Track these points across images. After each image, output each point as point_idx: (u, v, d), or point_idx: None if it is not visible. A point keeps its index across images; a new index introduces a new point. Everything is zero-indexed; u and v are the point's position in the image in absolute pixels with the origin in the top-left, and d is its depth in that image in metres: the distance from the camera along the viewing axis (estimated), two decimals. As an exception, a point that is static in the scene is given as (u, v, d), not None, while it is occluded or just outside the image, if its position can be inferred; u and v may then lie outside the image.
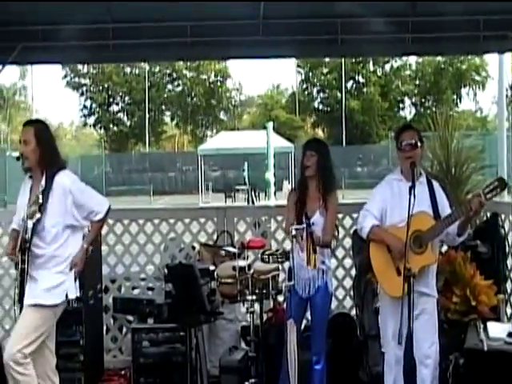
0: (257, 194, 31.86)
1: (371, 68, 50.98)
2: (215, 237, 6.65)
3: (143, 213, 7.43)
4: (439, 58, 46.82)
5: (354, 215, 6.41)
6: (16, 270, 4.50)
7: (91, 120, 54.18)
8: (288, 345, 4.71)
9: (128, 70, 52.66)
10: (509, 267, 6.26)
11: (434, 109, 42.92)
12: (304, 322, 5.34)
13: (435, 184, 4.69)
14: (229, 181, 38.48)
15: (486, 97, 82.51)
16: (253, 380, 5.18)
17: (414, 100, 52.64)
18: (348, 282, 6.58)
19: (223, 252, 5.72)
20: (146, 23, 6.33)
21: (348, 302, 6.59)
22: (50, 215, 4.45)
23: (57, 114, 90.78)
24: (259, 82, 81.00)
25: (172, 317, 5.70)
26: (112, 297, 6.50)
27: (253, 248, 5.70)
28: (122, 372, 6.19)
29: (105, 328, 6.57)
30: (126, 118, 54.36)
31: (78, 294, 4.71)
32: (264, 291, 5.17)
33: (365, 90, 50.19)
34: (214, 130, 53.99)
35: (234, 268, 5.18)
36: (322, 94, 52.42)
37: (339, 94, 49.17)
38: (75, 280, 4.59)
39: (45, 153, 4.55)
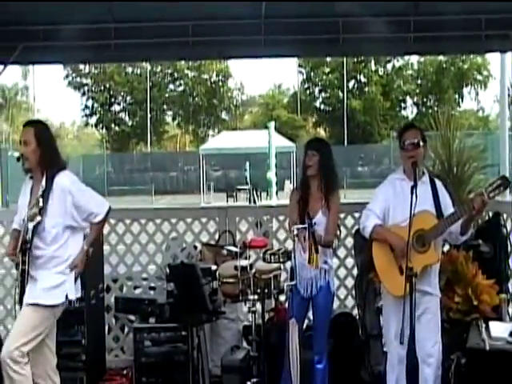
0: (258, 193, 31.85)
1: (373, 67, 50.96)
2: (217, 236, 6.66)
3: (145, 212, 7.43)
4: (441, 58, 46.77)
5: (356, 215, 6.42)
6: (17, 271, 4.51)
7: (93, 120, 54.28)
8: (290, 344, 4.71)
9: (129, 69, 52.70)
10: (511, 266, 6.24)
11: (435, 108, 42.95)
12: (306, 321, 5.34)
13: (438, 183, 4.69)
14: (230, 180, 38.47)
15: (488, 96, 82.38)
16: (255, 379, 5.18)
17: (415, 99, 52.61)
18: (350, 282, 6.58)
19: (225, 251, 5.72)
20: (148, 23, 6.32)
21: (350, 302, 6.59)
22: (50, 216, 4.46)
23: (58, 114, 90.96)
24: (261, 82, 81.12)
25: (174, 316, 5.70)
26: (114, 296, 6.50)
27: (254, 247, 5.70)
28: (124, 371, 6.20)
29: (107, 327, 6.57)
30: (127, 118, 54.39)
31: (79, 295, 4.71)
32: (266, 291, 5.18)
33: (366, 89, 50.18)
34: (216, 130, 54.00)
35: (235, 267, 5.18)
36: (323, 94, 52.41)
37: (341, 94, 49.16)
38: (75, 281, 4.59)
39: (45, 153, 4.55)
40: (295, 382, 4.79)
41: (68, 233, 4.55)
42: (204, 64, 50.83)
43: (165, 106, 54.38)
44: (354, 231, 6.39)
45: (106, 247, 6.51)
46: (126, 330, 6.63)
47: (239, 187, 33.22)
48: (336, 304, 5.88)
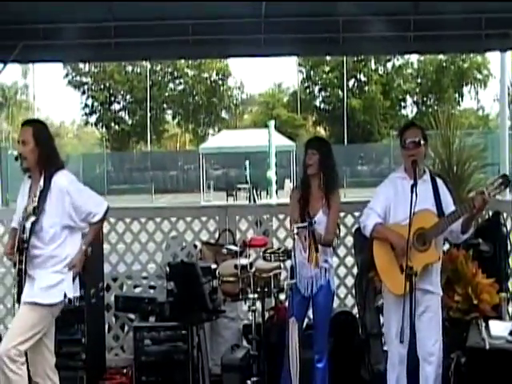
0: (258, 192, 31.86)
1: (373, 66, 50.95)
2: (217, 235, 6.66)
3: (145, 211, 7.44)
4: (441, 57, 46.76)
5: (356, 214, 6.42)
6: (15, 270, 4.51)
7: (93, 119, 54.27)
8: (290, 343, 4.71)
9: (129, 68, 52.68)
10: (511, 265, 6.24)
11: (435, 107, 42.91)
12: (306, 320, 5.34)
13: (439, 181, 4.69)
14: (230, 179, 38.47)
15: (488, 95, 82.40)
16: (255, 378, 5.18)
17: (415, 98, 52.60)
18: (350, 281, 6.58)
19: (225, 250, 5.72)
20: (148, 22, 6.32)
21: (350, 301, 6.59)
22: (48, 216, 4.45)
23: (58, 113, 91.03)
24: (261, 81, 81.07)
25: (174, 315, 5.70)
26: (114, 295, 6.50)
27: (254, 246, 5.71)
28: (124, 370, 6.20)
29: (107, 326, 6.57)
30: (127, 117, 54.38)
31: (77, 294, 4.70)
32: (266, 289, 5.18)
33: (366, 88, 50.17)
34: (216, 129, 54.00)
35: (235, 266, 5.18)
36: (323, 93, 52.39)
37: (341, 93, 49.14)
38: (74, 280, 4.58)
39: (43, 153, 4.54)
40: (295, 381, 4.79)
41: (66, 232, 4.54)
42: (204, 63, 50.79)
43: (165, 105, 54.37)
44: (353, 230, 6.39)
45: (105, 246, 6.51)
46: (126, 328, 6.63)
47: (239, 186, 33.23)
48: (336, 303, 5.89)
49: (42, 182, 4.49)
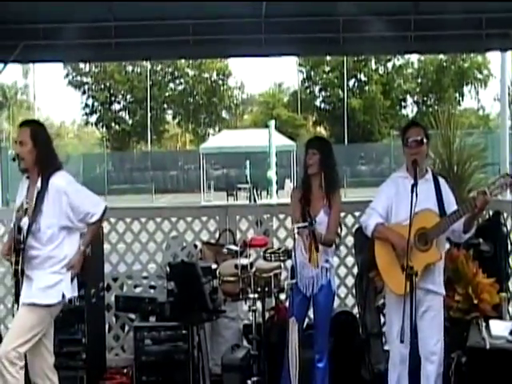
0: (259, 192, 31.85)
1: (373, 66, 50.93)
2: (217, 235, 6.66)
3: (145, 211, 7.45)
4: (441, 57, 46.74)
5: (356, 213, 6.43)
6: (11, 270, 4.51)
7: (93, 118, 54.25)
8: (289, 343, 4.72)
9: (130, 68, 52.67)
10: (511, 265, 6.25)
11: (436, 107, 42.89)
12: (306, 320, 5.34)
13: (441, 180, 4.70)
14: (231, 179, 38.46)
15: (488, 95, 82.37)
16: (255, 378, 5.18)
17: (416, 98, 52.59)
18: (350, 281, 6.58)
19: (225, 250, 5.72)
20: (148, 21, 6.33)
21: (350, 301, 6.59)
22: (46, 216, 4.44)
23: (59, 113, 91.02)
24: (261, 81, 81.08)
25: (174, 315, 5.70)
26: (114, 295, 6.50)
27: (255, 246, 5.71)
28: (124, 370, 6.20)
29: (107, 326, 6.57)
30: (127, 117, 54.36)
31: (76, 294, 4.71)
32: (266, 289, 5.17)
33: (367, 88, 50.15)
34: (216, 129, 54.00)
35: (236, 266, 5.18)
36: (323, 93, 52.38)
37: (341, 93, 49.13)
38: (72, 280, 4.58)
39: (41, 154, 4.53)
40: (294, 382, 4.80)
41: (64, 233, 4.53)
42: (204, 63, 50.78)
43: (165, 105, 54.37)
44: (354, 230, 6.39)
45: (106, 246, 6.51)
46: (127, 328, 6.63)
47: (239, 186, 33.22)
48: (336, 303, 5.89)
49: (39, 183, 4.48)
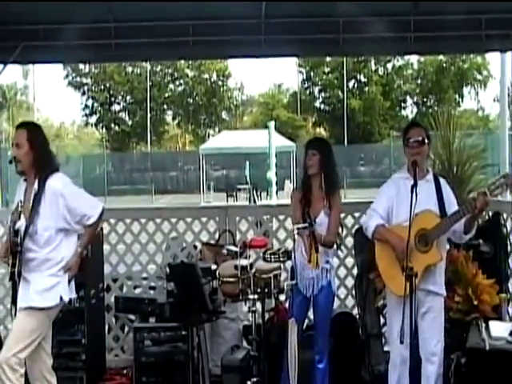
0: (258, 193, 31.86)
1: (373, 67, 50.93)
2: (217, 236, 6.66)
3: (145, 212, 7.44)
4: (441, 57, 46.74)
5: (356, 214, 6.43)
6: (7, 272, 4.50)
7: (93, 119, 54.22)
8: (289, 345, 4.72)
9: (129, 69, 52.65)
10: (511, 266, 6.24)
11: (435, 108, 42.92)
12: (306, 321, 5.34)
13: (442, 181, 4.70)
14: (230, 180, 38.47)
15: (488, 96, 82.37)
16: (254, 379, 5.18)
17: (415, 99, 52.59)
18: (350, 281, 6.58)
19: (225, 251, 5.72)
20: (148, 22, 6.33)
21: (350, 301, 6.59)
22: (42, 219, 4.42)
23: (58, 114, 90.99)
24: (261, 82, 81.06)
25: (174, 316, 5.70)
26: (114, 296, 6.50)
27: (255, 247, 5.70)
28: (124, 371, 6.20)
29: (107, 327, 6.57)
30: (127, 118, 54.35)
31: (74, 296, 4.70)
32: (266, 290, 5.17)
33: (366, 89, 50.14)
34: (216, 130, 53.97)
35: (235, 267, 5.18)
36: (323, 94, 52.37)
37: (341, 94, 49.12)
38: (69, 282, 4.56)
39: (38, 156, 4.50)
40: (293, 382, 4.80)
41: (61, 235, 4.51)
42: (204, 64, 50.78)
43: (165, 106, 54.36)
44: (353, 231, 6.39)
45: (106, 247, 6.51)
46: (126, 329, 6.63)
47: (239, 187, 33.24)
48: (336, 303, 5.89)
49: (36, 185, 4.47)
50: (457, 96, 50.75)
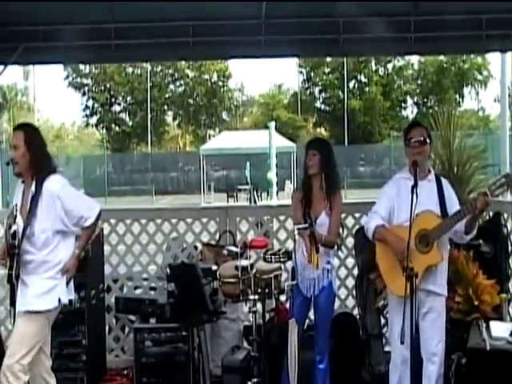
0: (259, 193, 31.85)
1: (373, 67, 50.92)
2: (217, 236, 6.65)
3: (145, 213, 7.44)
4: (441, 58, 46.71)
5: (357, 215, 6.44)
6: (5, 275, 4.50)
7: (93, 120, 54.22)
8: (289, 345, 4.72)
9: (130, 70, 52.65)
10: (511, 266, 6.24)
11: (436, 108, 42.84)
12: (306, 321, 5.34)
13: (444, 181, 4.70)
14: (231, 181, 38.47)
15: (489, 96, 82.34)
16: (255, 380, 5.18)
17: (416, 99, 52.58)
18: (350, 282, 6.58)
19: (225, 252, 5.72)
20: (148, 23, 6.33)
21: (350, 302, 6.58)
22: (40, 220, 4.41)
23: (59, 114, 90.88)
24: (261, 82, 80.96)
25: (174, 316, 5.70)
26: (114, 297, 6.49)
27: (255, 248, 5.71)
28: (125, 372, 6.20)
29: (107, 328, 6.57)
30: (127, 118, 54.35)
31: (72, 297, 4.70)
32: (266, 291, 5.18)
33: (367, 89, 50.14)
34: (216, 130, 53.97)
35: (236, 268, 5.18)
36: (323, 94, 52.36)
37: (341, 94, 49.10)
38: (68, 284, 4.55)
39: (35, 158, 4.49)
40: (293, 383, 4.80)
41: (58, 237, 4.49)
42: (204, 64, 50.79)
43: (165, 107, 54.36)
44: (354, 231, 6.39)
45: (106, 247, 6.51)
46: (127, 330, 6.63)
47: (240, 187, 33.22)
48: (337, 304, 5.89)
49: (33, 187, 4.45)
50: (457, 96, 50.74)
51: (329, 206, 5.07)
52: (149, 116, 49.87)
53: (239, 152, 35.05)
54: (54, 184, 4.48)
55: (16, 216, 4.41)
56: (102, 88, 52.83)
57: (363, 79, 51.01)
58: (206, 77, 53.71)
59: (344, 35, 6.41)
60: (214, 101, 53.71)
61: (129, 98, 53.46)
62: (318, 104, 53.23)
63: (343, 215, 6.29)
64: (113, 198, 34.11)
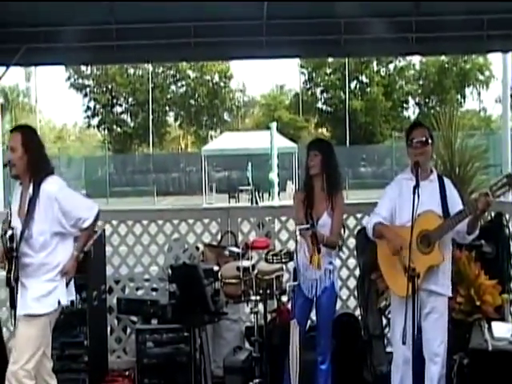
0: (260, 194, 31.86)
1: (375, 68, 50.89)
2: (219, 237, 6.66)
3: (147, 214, 7.44)
4: (443, 58, 46.70)
5: (358, 215, 6.43)
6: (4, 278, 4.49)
7: (95, 121, 54.22)
8: (291, 346, 4.71)
9: (131, 71, 52.68)
10: (513, 267, 6.24)
11: (437, 108, 42.78)
12: (308, 322, 5.34)
13: (446, 181, 4.69)
14: (232, 181, 38.47)
15: (490, 96, 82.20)
16: (257, 380, 5.18)
17: (417, 100, 52.55)
18: (352, 282, 6.58)
19: (227, 252, 5.72)
20: (149, 24, 6.33)
21: (352, 302, 6.58)
22: (37, 223, 4.40)
23: (60, 116, 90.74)
24: (262, 83, 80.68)
25: (176, 317, 5.70)
26: (116, 298, 6.49)
27: (257, 248, 5.70)
28: (126, 373, 6.20)
29: (109, 329, 6.57)
30: (129, 119, 54.37)
31: (73, 298, 4.69)
32: (268, 291, 5.17)
33: (368, 90, 50.11)
34: (218, 131, 53.97)
35: (237, 268, 5.18)
36: (325, 95, 52.33)
37: (343, 94, 49.07)
38: (67, 285, 4.54)
39: (32, 160, 4.47)
40: (294, 383, 4.80)
41: (57, 239, 4.48)
42: (206, 65, 50.79)
43: (167, 107, 54.36)
44: (355, 232, 6.39)
45: (108, 248, 6.51)
46: (129, 331, 6.63)
47: (241, 188, 33.24)
48: (338, 304, 5.89)
49: (31, 189, 4.44)
50: (459, 96, 50.69)
51: (330, 207, 5.07)
52: (150, 117, 49.87)
53: (241, 153, 35.06)
54: (52, 186, 4.47)
55: (10, 221, 4.40)
56: (104, 89, 52.86)
57: (365, 80, 50.98)
58: (208, 78, 53.72)
59: (345, 36, 6.42)
60: (215, 101, 53.72)
61: (130, 99, 53.48)
62: (319, 104, 53.21)
63: (345, 216, 6.30)
64: (114, 199, 34.10)
